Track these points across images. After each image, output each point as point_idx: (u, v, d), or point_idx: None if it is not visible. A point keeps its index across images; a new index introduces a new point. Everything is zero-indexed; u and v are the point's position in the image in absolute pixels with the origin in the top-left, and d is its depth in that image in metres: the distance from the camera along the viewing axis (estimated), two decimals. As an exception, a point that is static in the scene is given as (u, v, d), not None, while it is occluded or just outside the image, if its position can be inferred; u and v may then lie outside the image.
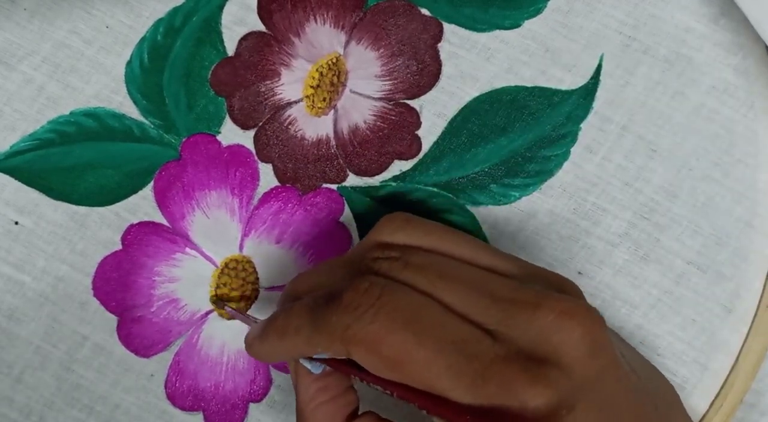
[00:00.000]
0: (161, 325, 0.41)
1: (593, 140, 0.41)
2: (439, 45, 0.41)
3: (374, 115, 0.41)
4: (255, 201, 0.41)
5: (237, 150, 0.41)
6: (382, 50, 0.41)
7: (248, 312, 0.41)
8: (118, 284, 0.41)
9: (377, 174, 0.41)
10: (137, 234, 0.41)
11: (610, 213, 0.41)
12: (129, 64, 0.41)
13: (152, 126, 0.41)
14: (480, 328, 0.31)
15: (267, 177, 0.41)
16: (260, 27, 0.41)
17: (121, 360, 0.41)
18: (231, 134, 0.41)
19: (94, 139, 0.41)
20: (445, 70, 0.41)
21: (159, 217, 0.41)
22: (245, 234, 0.41)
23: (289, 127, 0.41)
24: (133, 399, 0.41)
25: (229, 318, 0.41)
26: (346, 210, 0.41)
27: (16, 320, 0.41)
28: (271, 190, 0.41)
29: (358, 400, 0.35)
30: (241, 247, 0.41)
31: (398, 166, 0.41)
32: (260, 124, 0.41)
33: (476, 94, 0.41)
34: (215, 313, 0.41)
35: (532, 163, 0.41)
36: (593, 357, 0.31)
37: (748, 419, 0.41)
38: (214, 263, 0.41)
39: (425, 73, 0.41)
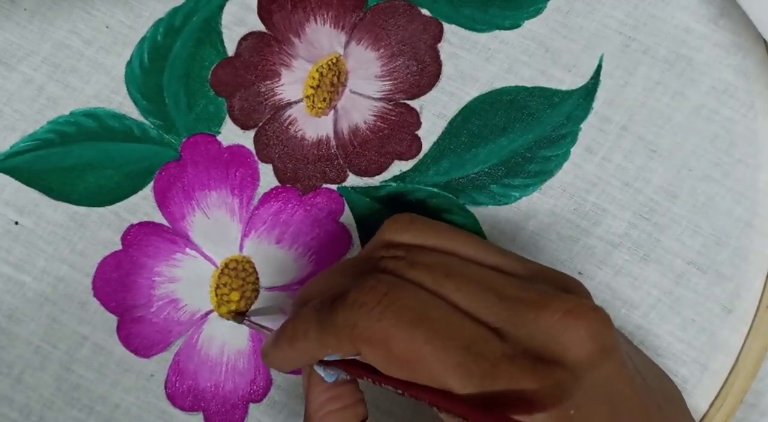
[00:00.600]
0: (161, 325, 0.40)
1: (593, 140, 0.41)
2: (439, 45, 0.41)
3: (374, 116, 0.41)
4: (255, 201, 0.41)
5: (237, 150, 0.41)
6: (382, 50, 0.41)
7: (254, 317, 0.41)
8: (118, 284, 0.40)
9: (377, 174, 0.41)
10: (137, 235, 0.41)
11: (610, 214, 0.41)
12: (129, 64, 0.41)
13: (152, 126, 0.41)
14: (486, 327, 0.32)
15: (267, 177, 0.41)
16: (260, 27, 0.41)
17: (121, 360, 0.41)
18: (231, 134, 0.41)
19: (94, 139, 0.41)
20: (445, 70, 0.41)
21: (159, 217, 0.41)
22: (245, 235, 0.41)
23: (290, 127, 0.41)
24: (133, 399, 0.41)
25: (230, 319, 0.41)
26: (346, 210, 0.41)
27: (16, 320, 0.41)
28: (271, 190, 0.41)
29: (367, 414, 0.35)
30: (241, 247, 0.41)
31: (398, 166, 0.41)
32: (260, 124, 0.41)
33: (476, 94, 0.41)
34: (215, 313, 0.41)
35: (532, 163, 0.41)
36: (599, 357, 0.31)
37: (748, 419, 0.41)
38: (214, 263, 0.41)
39: (425, 73, 0.41)
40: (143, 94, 0.41)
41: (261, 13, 0.41)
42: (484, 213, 0.41)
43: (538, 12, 0.41)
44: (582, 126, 0.41)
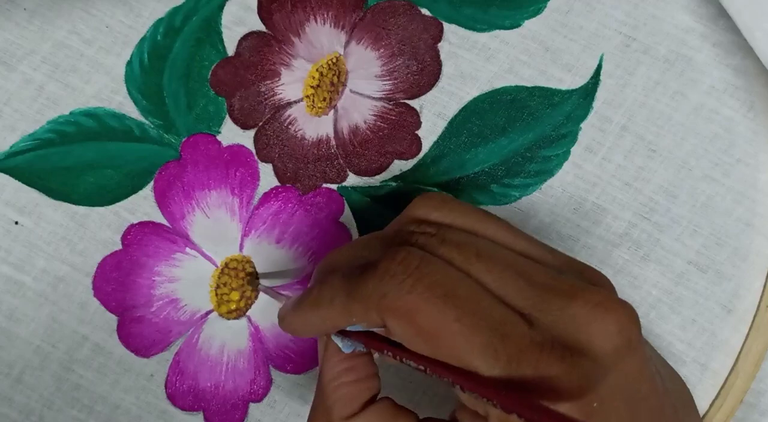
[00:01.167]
0: (161, 325, 0.40)
1: (593, 140, 0.41)
2: (439, 45, 0.41)
3: (374, 115, 0.41)
4: (255, 201, 0.41)
5: (237, 150, 0.41)
6: (382, 50, 0.41)
7: (249, 313, 0.41)
8: (118, 284, 0.40)
9: (377, 174, 0.41)
10: (137, 234, 0.41)
11: (610, 214, 0.41)
12: (129, 64, 0.41)
13: (152, 126, 0.41)
14: (515, 311, 0.31)
15: (267, 177, 0.41)
16: (260, 27, 0.41)
17: (121, 360, 0.41)
18: (231, 134, 0.41)
19: (94, 139, 0.41)
20: (445, 70, 0.41)
21: (159, 217, 0.41)
22: (245, 234, 0.41)
23: (289, 126, 0.41)
24: (133, 399, 0.41)
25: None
26: (346, 210, 0.41)
27: (16, 320, 0.41)
28: (271, 189, 0.41)
29: (380, 388, 0.35)
30: (241, 247, 0.41)
31: (398, 166, 0.41)
32: (260, 124, 0.41)
33: (476, 94, 0.41)
34: (215, 313, 0.41)
35: (532, 163, 0.41)
36: (625, 352, 0.31)
37: (748, 419, 0.41)
38: (214, 263, 0.41)
39: (425, 73, 0.41)
40: (143, 93, 0.41)
41: (261, 13, 0.41)
42: (484, 213, 0.41)
43: (538, 12, 0.41)
44: (582, 126, 0.41)
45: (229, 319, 0.41)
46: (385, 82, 0.41)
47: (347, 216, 0.41)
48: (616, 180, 0.41)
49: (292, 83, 0.41)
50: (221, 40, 0.41)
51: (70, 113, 0.41)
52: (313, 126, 0.41)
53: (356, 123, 0.41)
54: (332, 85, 0.41)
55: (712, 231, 0.40)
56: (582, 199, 0.41)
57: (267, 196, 0.41)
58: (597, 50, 0.41)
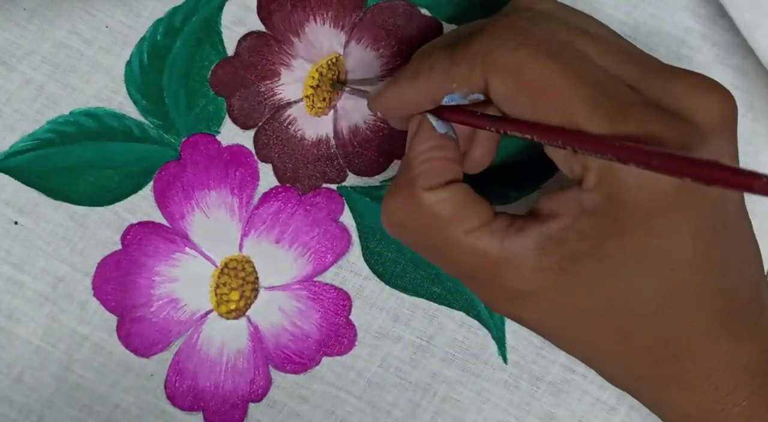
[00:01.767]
0: (161, 325, 0.41)
1: (593, 140, 0.41)
2: (439, 45, 0.41)
3: (374, 115, 0.41)
4: (255, 201, 0.41)
5: (237, 150, 0.41)
6: (381, 50, 0.41)
7: (248, 313, 0.41)
8: (118, 284, 0.41)
9: (377, 174, 0.41)
10: (137, 234, 0.41)
11: (610, 213, 0.41)
12: (129, 64, 0.41)
13: (152, 126, 0.41)
14: (619, 79, 0.32)
15: (267, 177, 0.41)
16: (260, 27, 0.41)
17: (120, 360, 0.41)
18: (231, 134, 0.41)
19: (93, 138, 0.41)
20: (445, 70, 0.41)
21: (159, 217, 0.41)
22: (245, 234, 0.41)
23: (289, 126, 0.41)
24: (133, 399, 0.41)
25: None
26: (346, 210, 0.41)
27: (16, 320, 0.41)
28: (271, 189, 0.41)
29: (462, 177, 0.35)
30: (240, 247, 0.41)
31: (398, 166, 0.41)
32: (260, 123, 0.41)
33: (476, 94, 0.41)
34: (215, 313, 0.41)
35: (532, 162, 0.41)
36: (725, 130, 0.32)
37: (747, 419, 0.41)
38: (213, 263, 0.41)
39: (425, 73, 0.41)
40: (143, 93, 0.41)
41: (261, 13, 0.41)
42: (484, 213, 0.41)
43: (537, 12, 0.41)
44: (582, 126, 0.41)
45: (228, 319, 0.41)
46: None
47: (347, 216, 0.41)
48: (616, 180, 0.41)
49: (291, 83, 0.41)
50: (221, 40, 0.41)
51: (70, 113, 0.41)
52: (312, 126, 0.41)
53: (356, 123, 0.41)
54: (332, 85, 0.41)
55: (711, 232, 0.40)
56: (582, 199, 0.41)
57: (267, 196, 0.41)
58: (597, 50, 0.41)
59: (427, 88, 0.34)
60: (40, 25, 0.41)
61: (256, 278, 0.41)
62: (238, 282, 0.41)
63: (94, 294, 0.41)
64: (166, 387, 0.41)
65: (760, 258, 0.35)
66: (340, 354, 0.41)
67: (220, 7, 0.41)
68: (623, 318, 0.33)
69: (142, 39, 0.41)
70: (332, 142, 0.41)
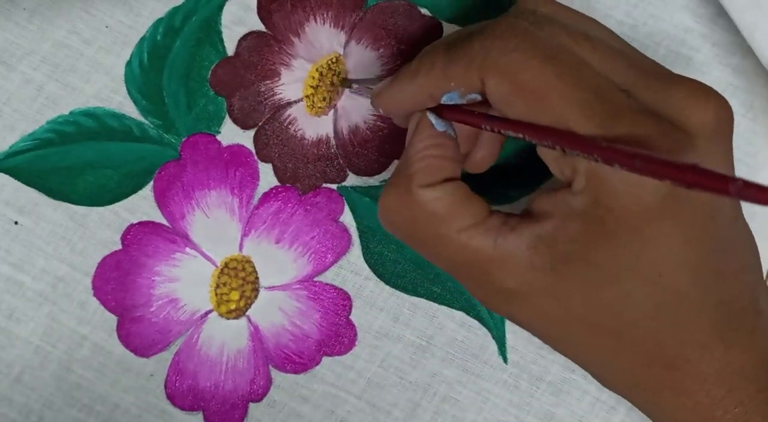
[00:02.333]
0: (161, 325, 0.40)
1: (593, 140, 0.41)
2: (439, 45, 0.41)
3: (374, 115, 0.41)
4: (255, 201, 0.41)
5: (237, 150, 0.41)
6: (381, 50, 0.41)
7: (248, 313, 0.41)
8: (118, 284, 0.40)
9: (377, 174, 0.41)
10: (137, 234, 0.41)
11: (610, 213, 0.41)
12: (128, 63, 0.41)
13: (152, 126, 0.41)
14: (615, 85, 0.32)
15: (267, 177, 0.41)
16: (260, 27, 0.41)
17: (120, 359, 0.41)
18: (231, 134, 0.41)
19: (93, 138, 0.41)
20: (445, 69, 0.41)
21: (159, 217, 0.41)
22: (245, 234, 0.41)
23: (289, 126, 0.41)
24: (133, 399, 0.41)
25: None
26: (346, 210, 0.41)
27: (16, 320, 0.41)
28: (271, 189, 0.41)
29: (460, 176, 0.35)
30: (240, 247, 0.41)
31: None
32: (260, 123, 0.41)
33: (476, 93, 0.41)
34: (215, 313, 0.41)
35: (532, 162, 0.41)
36: (718, 139, 0.32)
37: (747, 419, 0.41)
38: (213, 263, 0.41)
39: (425, 72, 0.41)
40: (143, 93, 0.41)
41: (261, 13, 0.41)
42: (484, 212, 0.41)
43: (537, 12, 0.41)
44: (582, 126, 0.41)
45: (228, 319, 0.41)
46: (384, 82, 0.41)
47: (347, 216, 0.41)
48: (616, 180, 0.41)
49: (291, 83, 0.41)
50: (221, 40, 0.41)
51: (70, 113, 0.41)
52: (312, 126, 0.41)
53: (356, 123, 0.41)
54: (332, 85, 0.41)
55: (711, 231, 0.40)
56: (582, 199, 0.41)
57: (267, 196, 0.41)
58: (597, 50, 0.41)
59: (427, 86, 0.34)
60: (39, 24, 0.41)
61: (257, 278, 0.41)
62: (239, 282, 0.41)
63: (94, 294, 0.41)
64: (166, 387, 0.41)
65: (759, 265, 0.35)
66: (340, 354, 0.41)
67: (220, 7, 0.41)
68: (615, 322, 0.33)
69: (142, 39, 0.41)
70: (332, 141, 0.41)
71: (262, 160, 0.41)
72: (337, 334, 0.41)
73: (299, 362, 0.41)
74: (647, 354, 0.33)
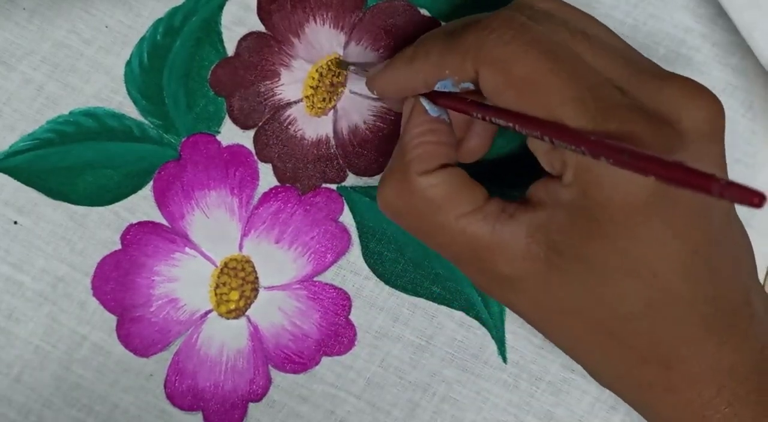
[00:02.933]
0: (160, 325, 0.40)
1: (592, 140, 0.41)
2: (439, 45, 0.41)
3: (374, 116, 0.41)
4: (254, 201, 0.41)
5: (237, 150, 0.41)
6: (381, 51, 0.41)
7: (248, 313, 0.41)
8: (118, 284, 0.40)
9: (377, 174, 0.41)
10: (137, 234, 0.41)
11: (610, 213, 0.41)
12: (128, 63, 0.41)
13: (152, 126, 0.41)
14: (610, 82, 0.32)
15: (267, 177, 0.41)
16: (260, 27, 0.41)
17: (120, 359, 0.41)
18: (231, 134, 0.41)
19: (93, 138, 0.41)
20: (445, 70, 0.41)
21: (158, 217, 0.41)
22: (245, 234, 0.41)
23: (289, 127, 0.41)
24: (132, 399, 0.41)
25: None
26: (346, 210, 0.41)
27: (15, 320, 0.41)
28: (271, 189, 0.41)
29: (456, 161, 0.35)
30: (240, 247, 0.41)
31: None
32: (260, 124, 0.41)
33: (476, 94, 0.41)
34: (214, 313, 0.41)
35: (532, 162, 0.41)
36: (710, 138, 0.32)
37: (747, 419, 0.41)
38: (213, 263, 0.41)
39: (425, 73, 0.41)
40: (143, 93, 0.41)
41: (260, 14, 0.41)
42: (484, 213, 0.41)
43: (537, 12, 0.41)
44: (581, 126, 0.41)
45: (228, 319, 0.41)
46: (384, 82, 0.41)
47: (347, 216, 0.41)
48: (616, 180, 0.41)
49: (291, 83, 0.41)
50: (221, 40, 0.41)
51: (70, 113, 0.41)
52: (312, 126, 0.41)
53: (356, 123, 0.41)
54: (332, 85, 0.41)
55: (711, 231, 0.40)
56: (581, 199, 0.41)
57: (266, 196, 0.41)
58: (596, 50, 0.41)
59: (422, 71, 0.34)
60: (39, 24, 0.41)
61: (256, 278, 0.41)
62: (238, 282, 0.41)
63: (94, 294, 0.41)
64: (165, 386, 0.41)
65: (754, 266, 0.35)
66: (339, 353, 0.41)
67: (220, 7, 0.41)
68: (608, 318, 0.33)
69: (142, 39, 0.41)
70: (332, 142, 0.41)
71: (262, 160, 0.41)
72: (337, 334, 0.41)
73: (299, 362, 0.41)
74: (640, 351, 0.33)
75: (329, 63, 0.41)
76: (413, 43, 0.35)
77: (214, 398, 0.41)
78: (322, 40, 0.41)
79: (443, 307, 0.41)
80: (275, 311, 0.41)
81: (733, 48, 0.40)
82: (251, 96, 0.41)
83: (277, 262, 0.41)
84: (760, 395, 0.33)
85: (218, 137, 0.41)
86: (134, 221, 0.41)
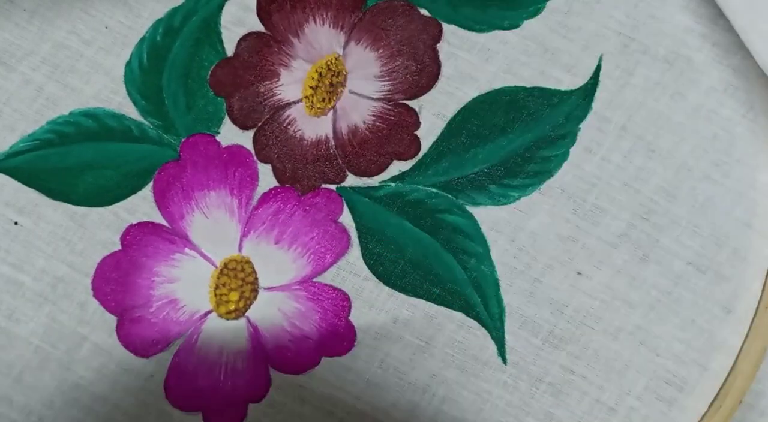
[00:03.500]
0: (160, 325, 0.41)
1: (592, 141, 0.41)
2: (439, 45, 0.41)
3: (373, 116, 0.41)
4: (254, 201, 0.41)
5: (236, 150, 0.41)
6: (381, 51, 0.41)
7: (248, 313, 0.41)
8: (118, 284, 0.41)
9: (376, 174, 0.41)
10: (136, 235, 0.41)
11: (610, 214, 0.41)
12: (128, 64, 0.41)
13: (151, 126, 0.41)
14: None
15: (266, 177, 0.41)
16: (259, 27, 0.41)
17: (120, 360, 0.41)
18: (230, 134, 0.41)
19: (93, 139, 0.41)
20: (444, 70, 0.41)
21: (158, 218, 0.41)
22: (244, 235, 0.41)
23: (289, 127, 0.41)
24: (132, 399, 0.41)
25: None
26: (345, 210, 0.41)
27: (16, 320, 0.41)
28: (270, 190, 0.41)
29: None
30: (240, 248, 0.41)
31: (397, 167, 0.41)
32: (259, 124, 0.41)
33: (475, 94, 0.41)
34: (214, 314, 0.41)
35: (532, 163, 0.41)
36: None
37: (747, 420, 0.41)
38: (213, 263, 0.41)
39: (424, 73, 0.41)
40: (142, 94, 0.41)
41: (260, 14, 0.41)
42: (484, 213, 0.41)
43: (537, 12, 0.41)
44: (581, 126, 0.41)
45: (228, 320, 0.41)
46: (384, 83, 0.41)
47: (346, 217, 0.41)
48: (616, 180, 0.41)
49: (291, 84, 0.41)
50: (220, 41, 0.41)
51: (70, 113, 0.41)
52: (312, 126, 0.41)
53: (355, 123, 0.41)
54: (331, 85, 0.41)
55: (711, 232, 0.40)
56: (581, 200, 0.41)
57: (266, 197, 0.41)
58: (596, 50, 0.41)
59: None
60: (39, 25, 0.41)
61: (256, 279, 0.41)
62: (238, 283, 0.41)
63: (94, 295, 0.41)
64: (165, 387, 0.41)
65: None
66: (339, 354, 0.41)
67: (220, 8, 0.41)
68: None
69: (142, 39, 0.41)
70: (331, 142, 0.41)
71: (262, 161, 0.41)
72: (336, 335, 0.41)
73: (298, 363, 0.41)
74: None
75: (329, 63, 0.41)
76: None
77: (213, 399, 0.41)
78: (322, 40, 0.41)
79: (443, 308, 0.41)
80: (275, 312, 0.41)
81: (733, 48, 0.40)
82: (251, 96, 0.41)
83: (277, 263, 0.41)
84: None
85: (218, 137, 0.41)
86: (134, 222, 0.41)
